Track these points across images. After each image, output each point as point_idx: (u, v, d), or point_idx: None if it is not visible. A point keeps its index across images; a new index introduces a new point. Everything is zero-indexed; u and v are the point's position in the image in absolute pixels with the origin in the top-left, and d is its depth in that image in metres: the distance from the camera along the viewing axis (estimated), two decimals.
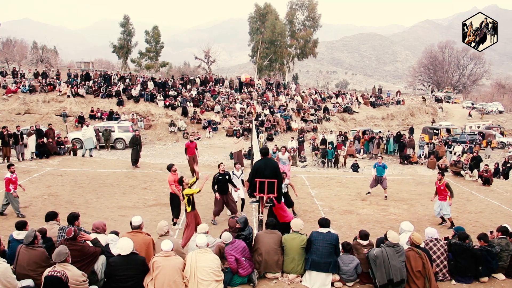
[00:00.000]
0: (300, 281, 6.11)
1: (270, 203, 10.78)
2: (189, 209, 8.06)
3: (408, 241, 6.23)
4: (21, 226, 6.06)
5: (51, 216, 6.64)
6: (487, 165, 16.15)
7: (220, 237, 6.29)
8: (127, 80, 32.23)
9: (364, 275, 6.15)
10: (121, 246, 5.27)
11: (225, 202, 9.77)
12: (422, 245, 6.24)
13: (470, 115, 43.46)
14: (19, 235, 5.89)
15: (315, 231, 6.26)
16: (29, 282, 5.06)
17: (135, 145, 15.75)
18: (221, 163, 10.36)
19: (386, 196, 12.76)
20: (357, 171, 18.12)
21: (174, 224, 9.60)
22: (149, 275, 5.30)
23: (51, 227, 6.39)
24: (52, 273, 4.19)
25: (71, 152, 18.14)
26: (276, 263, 6.16)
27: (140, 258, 5.38)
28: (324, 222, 6.37)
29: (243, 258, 5.94)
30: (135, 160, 15.79)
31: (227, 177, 9.81)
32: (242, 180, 10.69)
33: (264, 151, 7.57)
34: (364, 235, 6.49)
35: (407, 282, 5.79)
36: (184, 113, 28.39)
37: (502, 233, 6.68)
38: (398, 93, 46.73)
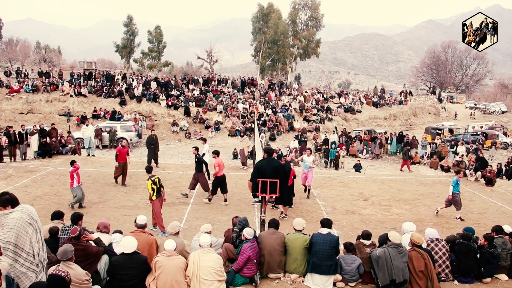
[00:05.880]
0: (302, 281, 6.10)
1: (273, 202, 10.90)
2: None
3: (410, 242, 6.23)
4: None
5: (58, 216, 6.60)
6: (491, 165, 16.10)
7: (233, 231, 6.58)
8: (130, 79, 32.31)
9: (367, 275, 6.13)
10: (125, 244, 5.27)
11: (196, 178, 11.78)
12: (424, 245, 6.22)
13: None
14: None
15: (316, 233, 6.23)
16: None
17: (151, 145, 15.69)
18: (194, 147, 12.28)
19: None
20: (360, 171, 18.10)
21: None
22: (151, 274, 5.30)
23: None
24: (57, 272, 4.18)
25: (74, 152, 18.18)
26: (278, 264, 6.15)
27: (142, 257, 5.38)
28: (326, 222, 6.37)
29: (255, 260, 5.98)
30: (153, 160, 15.74)
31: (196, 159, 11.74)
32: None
33: (268, 151, 7.58)
34: (366, 235, 6.51)
35: (410, 282, 5.77)
36: (187, 113, 28.43)
37: (496, 232, 6.70)
38: (402, 93, 46.65)
